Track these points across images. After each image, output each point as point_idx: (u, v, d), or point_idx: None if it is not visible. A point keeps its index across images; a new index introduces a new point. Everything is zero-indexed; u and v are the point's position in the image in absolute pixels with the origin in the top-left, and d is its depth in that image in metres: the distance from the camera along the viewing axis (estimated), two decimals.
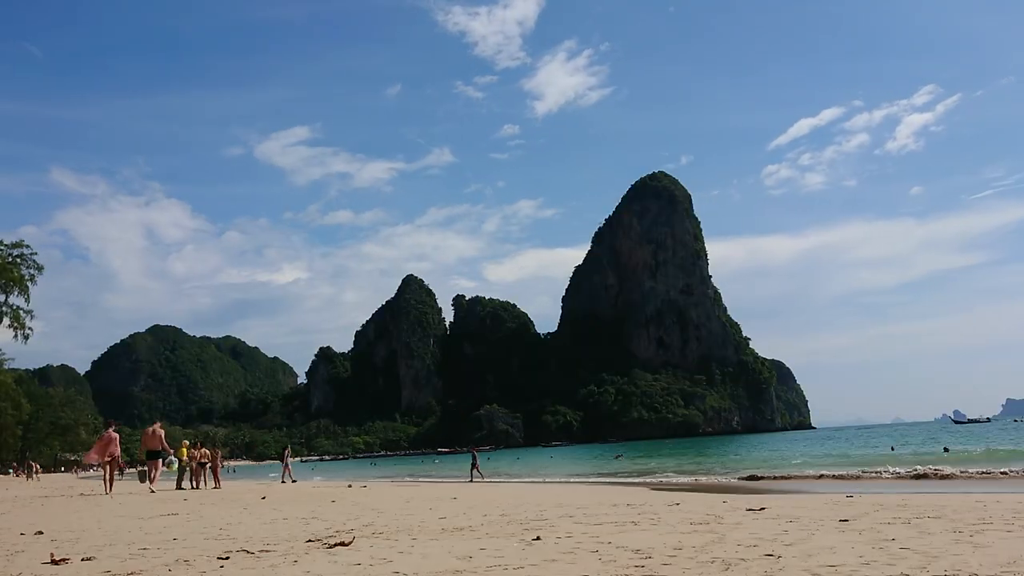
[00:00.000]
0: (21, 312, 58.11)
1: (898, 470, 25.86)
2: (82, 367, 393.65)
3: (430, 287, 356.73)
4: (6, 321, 57.74)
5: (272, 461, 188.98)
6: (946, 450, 38.74)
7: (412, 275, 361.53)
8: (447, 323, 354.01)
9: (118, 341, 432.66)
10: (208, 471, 29.00)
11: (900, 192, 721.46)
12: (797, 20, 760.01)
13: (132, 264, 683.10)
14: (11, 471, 79.52)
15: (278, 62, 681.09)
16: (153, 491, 23.26)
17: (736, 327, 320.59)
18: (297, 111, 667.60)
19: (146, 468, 25.15)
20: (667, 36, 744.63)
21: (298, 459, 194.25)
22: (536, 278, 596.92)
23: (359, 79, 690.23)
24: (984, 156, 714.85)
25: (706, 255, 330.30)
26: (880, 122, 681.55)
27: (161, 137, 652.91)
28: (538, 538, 8.93)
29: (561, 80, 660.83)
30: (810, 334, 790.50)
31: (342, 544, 8.99)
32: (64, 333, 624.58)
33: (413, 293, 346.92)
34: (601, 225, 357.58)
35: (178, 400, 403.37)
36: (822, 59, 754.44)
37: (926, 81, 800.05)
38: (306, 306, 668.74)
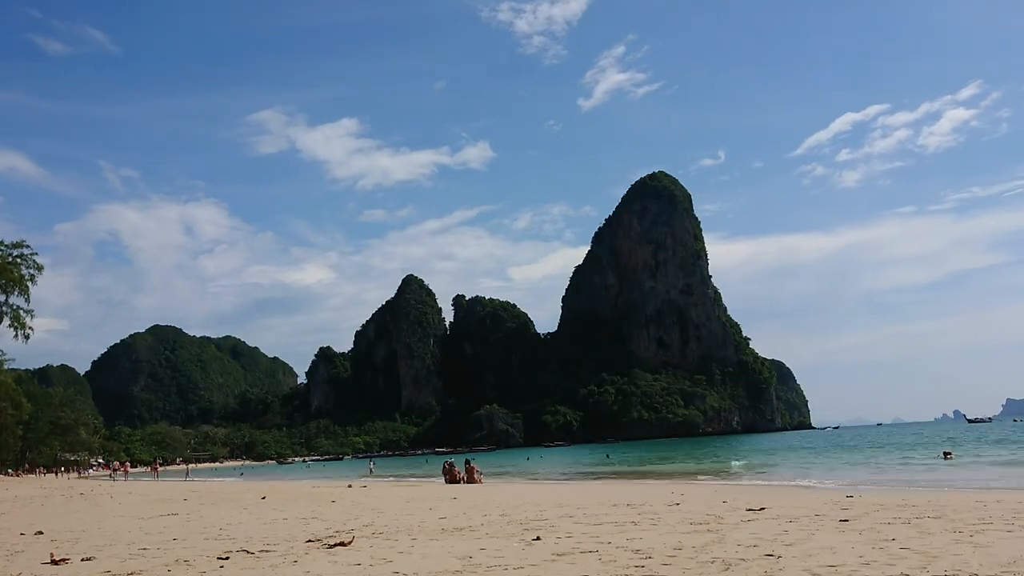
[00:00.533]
0: (21, 312, 58.01)
1: None
2: (82, 367, 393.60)
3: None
4: (6, 321, 57.64)
5: (269, 461, 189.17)
6: (947, 455, 37.77)
7: (412, 275, 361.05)
8: (447, 323, 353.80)
9: (118, 341, 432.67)
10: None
11: (938, 188, 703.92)
12: (850, 18, 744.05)
13: (163, 264, 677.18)
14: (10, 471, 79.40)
15: (327, 61, 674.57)
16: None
17: (736, 327, 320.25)
18: (341, 107, 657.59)
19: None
20: (715, 32, 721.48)
21: (300, 459, 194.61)
22: (563, 277, 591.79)
23: (404, 76, 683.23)
24: (1019, 153, 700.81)
25: (706, 255, 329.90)
26: (920, 117, 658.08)
27: (203, 136, 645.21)
28: (538, 538, 8.94)
29: (605, 77, 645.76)
30: (833, 333, 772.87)
31: (342, 544, 8.99)
32: (85, 331, 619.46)
33: (413, 293, 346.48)
34: (601, 225, 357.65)
35: (178, 400, 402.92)
36: (868, 56, 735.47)
37: (974, 76, 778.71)
38: (329, 304, 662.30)
